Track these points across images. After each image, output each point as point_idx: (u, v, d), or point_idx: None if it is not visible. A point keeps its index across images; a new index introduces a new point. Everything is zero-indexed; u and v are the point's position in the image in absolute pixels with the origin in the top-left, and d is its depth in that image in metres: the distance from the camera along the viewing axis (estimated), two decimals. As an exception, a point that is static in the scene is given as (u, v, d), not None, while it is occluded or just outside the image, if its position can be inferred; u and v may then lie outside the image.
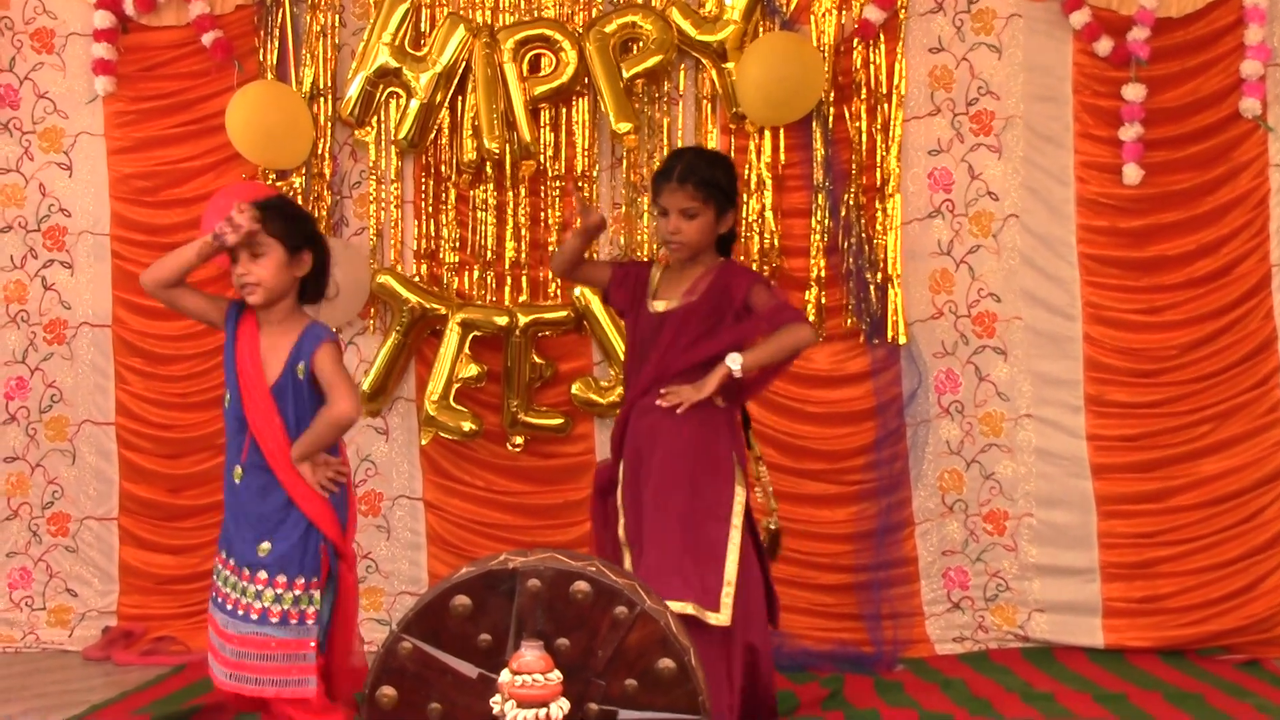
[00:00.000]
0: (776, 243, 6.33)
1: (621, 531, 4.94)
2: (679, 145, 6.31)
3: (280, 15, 6.41)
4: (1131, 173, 6.21)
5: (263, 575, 4.49)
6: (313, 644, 4.52)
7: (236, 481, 4.58)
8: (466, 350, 6.31)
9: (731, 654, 4.79)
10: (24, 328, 6.58)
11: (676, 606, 4.45)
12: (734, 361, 4.73)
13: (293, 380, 4.57)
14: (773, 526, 5.16)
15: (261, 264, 4.56)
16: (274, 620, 4.48)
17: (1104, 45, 6.18)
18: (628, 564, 4.83)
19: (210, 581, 4.68)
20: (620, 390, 6.10)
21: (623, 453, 5.00)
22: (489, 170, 6.40)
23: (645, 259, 6.00)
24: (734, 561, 4.77)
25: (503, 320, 6.30)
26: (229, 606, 4.52)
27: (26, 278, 6.58)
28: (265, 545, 4.51)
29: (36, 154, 6.57)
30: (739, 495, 4.86)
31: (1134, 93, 6.18)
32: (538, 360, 6.38)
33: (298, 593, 4.51)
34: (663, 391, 4.81)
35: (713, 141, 6.34)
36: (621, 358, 6.11)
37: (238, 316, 4.65)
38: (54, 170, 6.58)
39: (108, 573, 6.61)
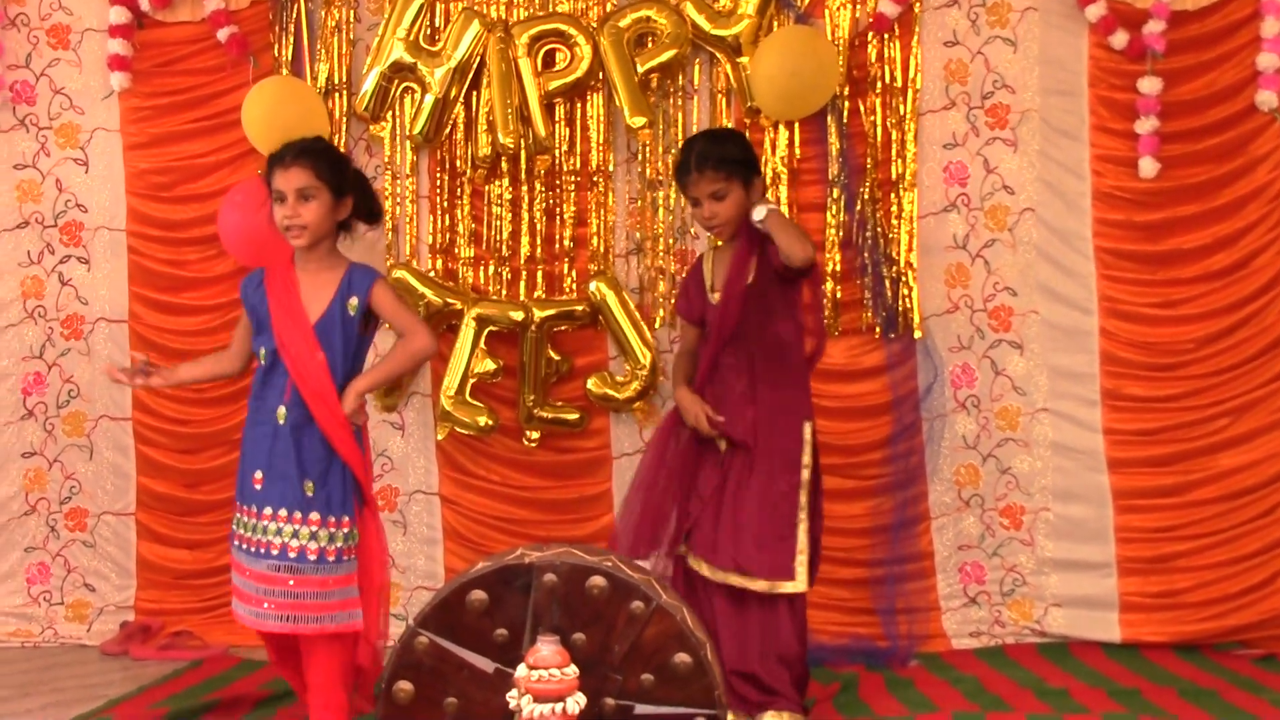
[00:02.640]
0: (792, 237, 6.32)
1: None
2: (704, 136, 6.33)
3: (295, 10, 6.42)
4: (1147, 166, 6.19)
5: (315, 516, 4.57)
6: (351, 581, 4.60)
7: (281, 423, 4.62)
8: (482, 345, 6.32)
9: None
10: (41, 323, 6.59)
11: (754, 585, 4.95)
12: (759, 213, 4.98)
13: (341, 315, 4.67)
14: None
15: (310, 208, 4.67)
16: (330, 559, 4.56)
17: (1120, 38, 6.15)
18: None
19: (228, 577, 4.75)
20: (636, 385, 6.15)
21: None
22: (504, 165, 6.40)
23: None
24: (804, 529, 5.05)
25: (518, 315, 6.30)
26: (272, 551, 4.57)
27: (44, 273, 6.60)
28: (310, 484, 4.58)
29: (53, 149, 6.58)
30: (806, 460, 5.09)
31: (1150, 86, 6.16)
32: (553, 355, 6.38)
33: (345, 530, 4.61)
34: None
35: (727, 136, 6.34)
36: (638, 353, 6.20)
37: (259, 284, 4.76)
38: (70, 166, 6.59)
39: (125, 568, 6.62)
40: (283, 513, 4.58)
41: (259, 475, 4.64)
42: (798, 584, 4.99)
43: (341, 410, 4.60)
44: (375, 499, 4.94)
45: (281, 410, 4.63)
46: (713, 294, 5.22)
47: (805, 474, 5.08)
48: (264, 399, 4.69)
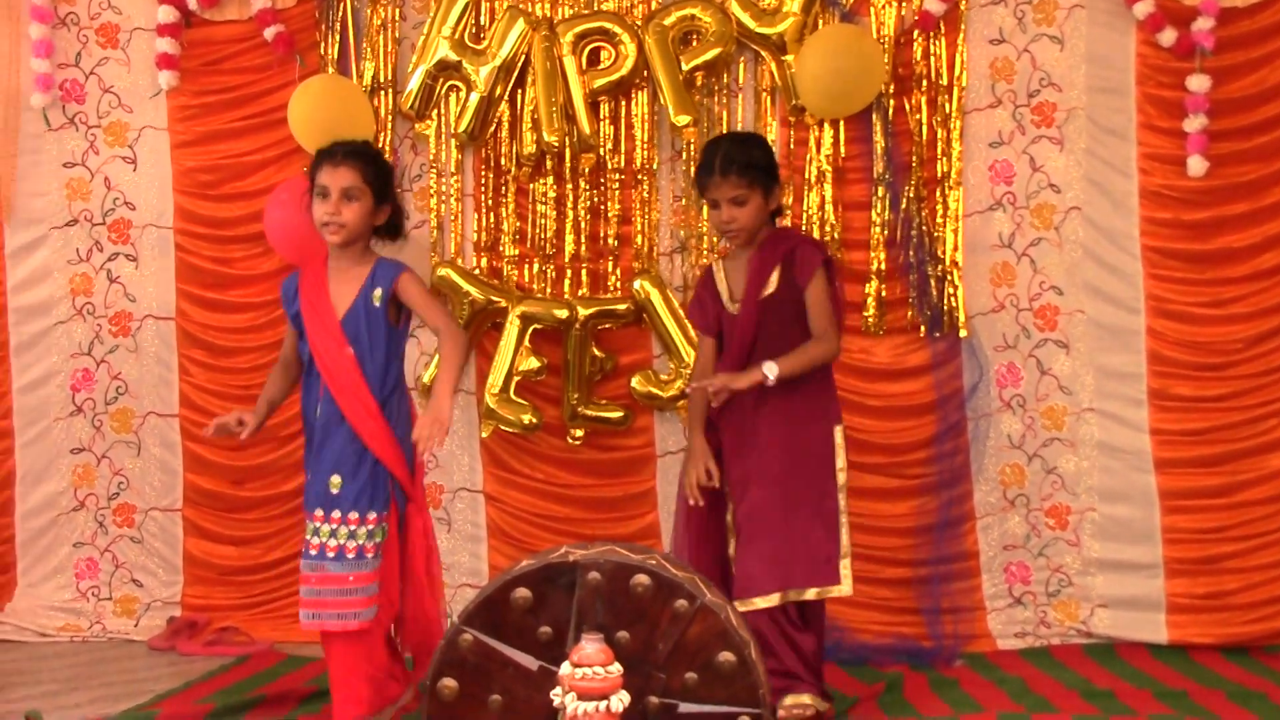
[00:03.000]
0: (837, 235, 6.31)
1: (730, 518, 5.12)
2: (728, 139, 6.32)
3: (341, 9, 6.44)
4: (1196, 164, 6.14)
5: (336, 514, 4.62)
6: (372, 578, 4.62)
7: (316, 418, 4.69)
8: (526, 343, 6.33)
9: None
10: (90, 320, 6.64)
11: (804, 596, 4.95)
12: (770, 371, 4.84)
13: (366, 308, 4.71)
14: None
15: (352, 208, 4.73)
16: (350, 556, 4.61)
17: (1168, 36, 6.11)
18: (732, 550, 5.08)
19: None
20: (680, 384, 6.13)
21: (723, 440, 5.16)
22: (549, 163, 6.41)
23: (704, 265, 5.98)
24: (847, 532, 5.05)
25: (563, 313, 6.31)
26: (310, 551, 4.65)
27: (92, 271, 6.64)
28: (336, 479, 4.63)
29: (102, 148, 6.63)
30: (840, 462, 5.08)
31: (1198, 84, 6.11)
32: (598, 353, 6.38)
33: (370, 527, 4.64)
34: (710, 389, 4.93)
35: (772, 134, 6.32)
36: (682, 351, 6.16)
37: (294, 287, 4.82)
38: (119, 164, 6.64)
39: (172, 563, 6.67)
40: (319, 512, 4.65)
41: (309, 477, 4.73)
42: (843, 588, 5.00)
43: (374, 404, 4.65)
44: (423, 494, 4.95)
45: (318, 409, 4.68)
46: (732, 304, 5.16)
47: (842, 478, 5.07)
48: (306, 403, 4.77)
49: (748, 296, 5.06)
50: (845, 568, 5.00)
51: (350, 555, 4.59)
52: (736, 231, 5.06)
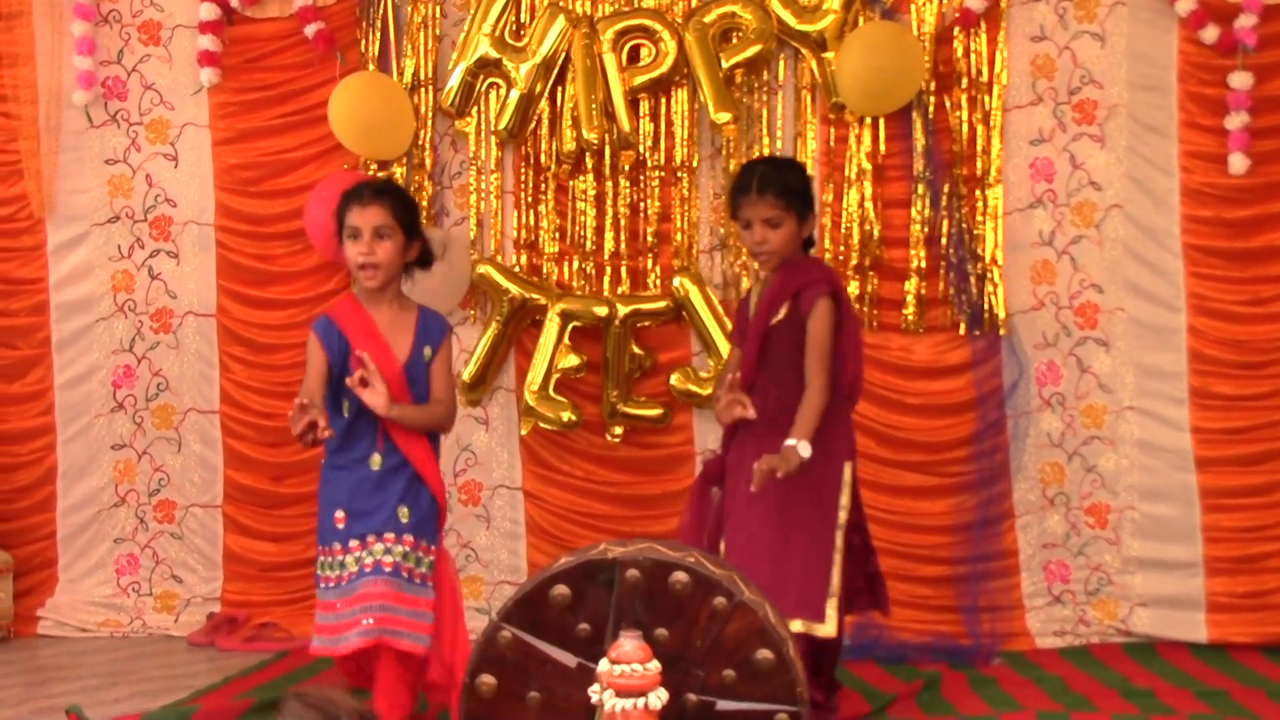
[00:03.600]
0: (876, 233, 6.30)
1: (723, 546, 4.95)
2: (778, 135, 6.36)
3: (382, 7, 6.46)
4: (1238, 162, 6.12)
5: (409, 538, 4.64)
6: (433, 604, 4.67)
7: (375, 469, 4.67)
8: (566, 340, 6.34)
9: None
10: (131, 317, 6.68)
11: (791, 624, 4.54)
12: (805, 451, 4.65)
13: (422, 361, 4.74)
14: None
15: (385, 246, 4.71)
16: (415, 581, 4.64)
17: (1210, 33, 6.09)
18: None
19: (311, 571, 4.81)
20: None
21: (726, 475, 5.04)
22: (588, 160, 6.42)
23: (742, 265, 5.96)
24: (838, 570, 4.83)
25: (602, 311, 6.32)
26: (365, 570, 4.61)
27: (134, 267, 6.68)
28: (404, 510, 4.65)
29: (143, 145, 6.66)
30: (844, 499, 4.90)
31: (1241, 81, 6.09)
32: (637, 351, 6.39)
33: (430, 558, 4.70)
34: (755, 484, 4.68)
35: (812, 131, 6.33)
36: (721, 349, 6.17)
37: (337, 328, 4.73)
38: (160, 161, 6.67)
39: (212, 559, 6.70)
40: (370, 537, 4.63)
41: (340, 515, 4.68)
42: (826, 628, 4.76)
43: (431, 449, 4.71)
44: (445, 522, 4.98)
45: (376, 458, 4.69)
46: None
47: (843, 515, 4.88)
48: (352, 448, 4.71)
49: (756, 322, 4.96)
50: (831, 607, 4.78)
51: (418, 581, 4.63)
52: (768, 255, 4.92)
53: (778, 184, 4.88)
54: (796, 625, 4.64)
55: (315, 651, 4.74)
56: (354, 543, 4.64)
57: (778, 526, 4.82)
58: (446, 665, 4.73)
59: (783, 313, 4.89)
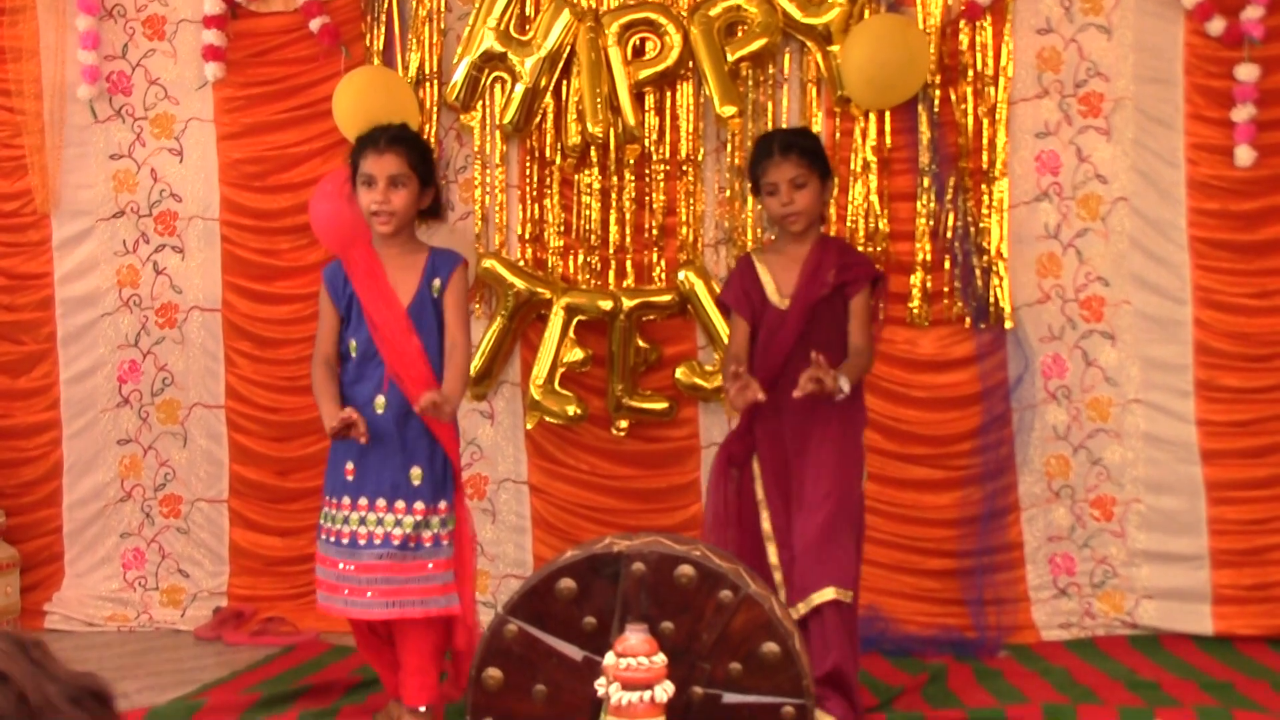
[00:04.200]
0: (882, 226, 6.30)
1: (767, 525, 5.00)
2: (783, 129, 6.32)
3: (386, 1, 6.45)
4: (1244, 155, 6.12)
5: (419, 505, 4.62)
6: (450, 565, 4.66)
7: (380, 412, 4.63)
8: (571, 334, 6.34)
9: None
10: (136, 312, 6.67)
11: (844, 594, 4.75)
12: (845, 386, 4.78)
13: (430, 298, 4.69)
14: None
15: (400, 195, 4.69)
16: (428, 545, 4.62)
17: (1216, 25, 6.08)
18: (773, 557, 4.92)
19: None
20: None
21: (759, 447, 5.07)
22: (593, 154, 6.42)
23: (740, 255, 5.90)
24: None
25: (607, 304, 6.32)
26: (375, 541, 4.61)
27: (139, 262, 6.67)
28: (417, 471, 4.62)
29: (148, 140, 6.65)
30: (866, 471, 5.06)
31: (1247, 73, 6.09)
32: (642, 344, 6.39)
33: (443, 515, 4.65)
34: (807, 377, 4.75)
35: (818, 125, 6.31)
36: (727, 342, 6.13)
37: (343, 275, 4.74)
38: (165, 156, 6.66)
39: (218, 554, 6.70)
40: (381, 502, 4.61)
41: (351, 467, 4.67)
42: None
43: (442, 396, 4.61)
44: (464, 485, 4.96)
45: (380, 400, 4.64)
46: (781, 299, 5.03)
47: (864, 486, 5.05)
48: (356, 393, 4.69)
49: (801, 295, 4.97)
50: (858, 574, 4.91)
51: (427, 544, 4.60)
52: (796, 216, 4.97)
53: (799, 146, 5.00)
54: (829, 594, 4.72)
55: (322, 608, 4.80)
56: (363, 501, 4.63)
57: (835, 504, 4.86)
58: (469, 627, 4.74)
59: (827, 288, 4.97)
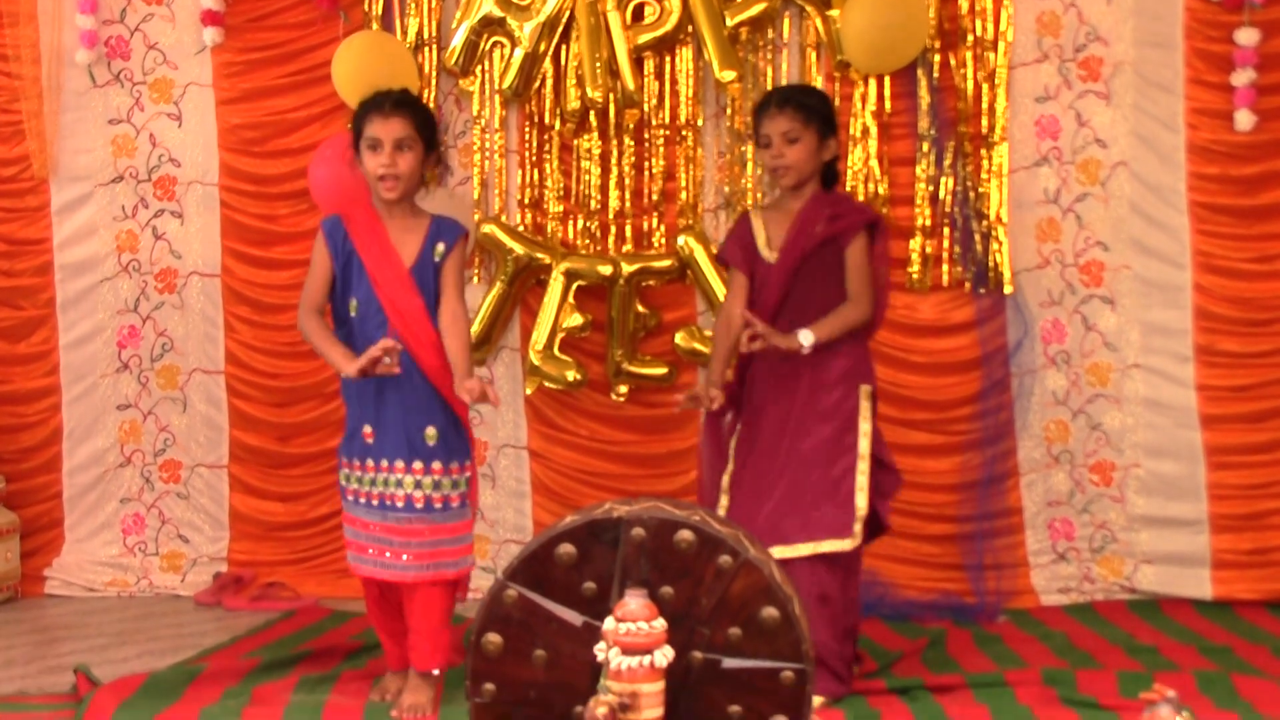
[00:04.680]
0: (881, 191, 6.29)
1: (726, 479, 5.01)
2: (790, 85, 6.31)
3: (385, -35, 6.44)
4: (1244, 119, 6.11)
5: (437, 465, 4.62)
6: (470, 526, 4.70)
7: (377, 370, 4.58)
8: (571, 300, 6.33)
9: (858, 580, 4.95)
10: (135, 277, 6.66)
11: (812, 548, 4.71)
12: (805, 338, 4.78)
13: (432, 262, 4.66)
14: None
15: (406, 158, 4.66)
16: (455, 505, 4.64)
17: (1216, -12, 6.09)
18: (721, 510, 4.88)
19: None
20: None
21: (743, 399, 5.07)
22: (593, 119, 6.40)
23: (741, 211, 5.90)
24: (864, 494, 4.83)
25: (607, 270, 6.31)
26: (397, 504, 4.61)
27: (138, 227, 6.66)
28: (432, 430, 4.62)
29: (147, 105, 6.63)
30: (864, 428, 4.90)
31: (1247, 37, 6.07)
32: (642, 310, 6.38)
33: (455, 477, 4.65)
34: (749, 337, 4.78)
35: (817, 90, 6.31)
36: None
37: (344, 228, 4.70)
38: (164, 121, 6.64)
39: (218, 519, 6.71)
40: (400, 464, 4.60)
41: (369, 429, 4.65)
42: (845, 542, 4.75)
43: (444, 355, 4.59)
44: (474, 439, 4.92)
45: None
46: (770, 252, 4.99)
47: (864, 444, 4.88)
48: (360, 352, 4.64)
49: (789, 246, 4.93)
50: (859, 525, 4.78)
51: (455, 504, 4.63)
52: (785, 169, 4.93)
53: (796, 100, 4.95)
54: (804, 549, 4.71)
55: (352, 568, 4.78)
56: (384, 462, 4.62)
57: (785, 461, 4.85)
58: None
59: (816, 240, 4.92)
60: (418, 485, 4.59)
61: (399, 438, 4.61)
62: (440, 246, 4.66)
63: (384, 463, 4.61)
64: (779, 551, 4.56)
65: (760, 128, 4.99)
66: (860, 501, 4.80)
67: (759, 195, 6.27)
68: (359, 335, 4.65)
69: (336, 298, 4.72)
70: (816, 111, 4.95)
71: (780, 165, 4.94)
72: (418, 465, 4.59)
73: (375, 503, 4.62)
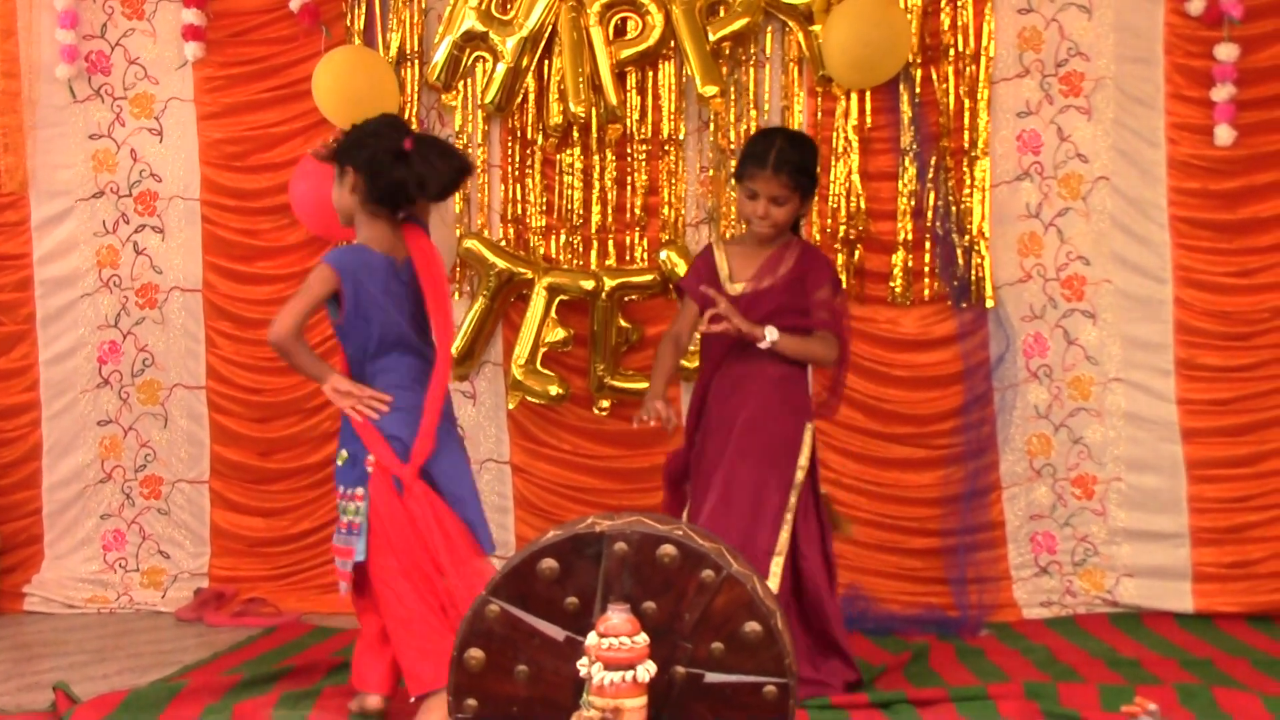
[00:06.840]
0: (863, 206, 6.30)
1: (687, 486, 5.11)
2: (765, 108, 6.37)
3: (367, -20, 6.44)
4: (1224, 134, 6.13)
5: (341, 489, 4.64)
6: (353, 554, 4.58)
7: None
8: (553, 314, 6.33)
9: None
10: (116, 292, 6.65)
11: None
12: (771, 334, 4.87)
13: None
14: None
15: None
16: (342, 530, 4.65)
17: (1196, 4, 6.08)
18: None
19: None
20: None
21: (699, 424, 5.14)
22: (575, 134, 6.41)
23: (706, 245, 5.89)
24: (787, 531, 4.86)
25: (589, 284, 6.31)
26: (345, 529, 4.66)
27: (119, 242, 6.64)
28: (344, 453, 4.64)
29: (128, 119, 6.62)
30: (802, 459, 4.96)
31: (1227, 53, 6.09)
32: (624, 324, 6.39)
33: (354, 503, 4.61)
34: (710, 315, 4.86)
35: (799, 104, 6.33)
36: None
37: (369, 265, 4.65)
38: (145, 136, 6.63)
39: (199, 535, 6.69)
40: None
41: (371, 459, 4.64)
42: (770, 584, 4.68)
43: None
44: (410, 481, 4.59)
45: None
46: (732, 285, 5.04)
47: (799, 475, 4.94)
48: (390, 380, 4.66)
49: (758, 276, 5.02)
50: (776, 565, 4.78)
51: (343, 531, 4.69)
52: (768, 228, 5.01)
53: (793, 164, 4.96)
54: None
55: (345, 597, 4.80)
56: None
57: (729, 481, 4.89)
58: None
59: (781, 280, 4.99)
60: (343, 511, 4.68)
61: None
62: None
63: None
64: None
65: (748, 178, 5.00)
66: (782, 539, 4.86)
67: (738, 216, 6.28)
68: (386, 365, 4.68)
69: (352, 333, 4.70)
70: (808, 175, 5.01)
71: (764, 225, 5.01)
72: (339, 489, 4.72)
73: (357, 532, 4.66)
